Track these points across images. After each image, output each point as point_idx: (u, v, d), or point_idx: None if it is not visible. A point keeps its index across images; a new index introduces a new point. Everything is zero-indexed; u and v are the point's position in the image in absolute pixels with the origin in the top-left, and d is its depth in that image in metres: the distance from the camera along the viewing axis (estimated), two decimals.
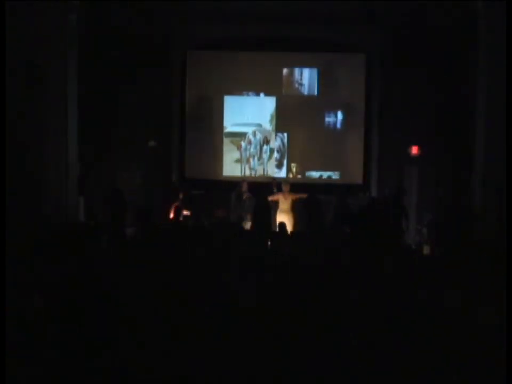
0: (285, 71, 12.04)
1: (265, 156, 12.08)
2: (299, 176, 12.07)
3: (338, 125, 12.00)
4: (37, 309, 3.01)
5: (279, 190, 10.29)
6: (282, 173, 12.09)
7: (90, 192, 9.98)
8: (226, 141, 12.07)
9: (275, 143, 12.08)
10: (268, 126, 12.07)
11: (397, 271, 3.76)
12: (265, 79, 11.95)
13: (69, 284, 3.31)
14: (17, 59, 7.89)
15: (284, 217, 9.74)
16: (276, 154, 12.09)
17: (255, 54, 11.89)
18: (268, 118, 12.05)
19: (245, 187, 10.25)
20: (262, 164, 12.10)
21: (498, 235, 6.28)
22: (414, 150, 11.28)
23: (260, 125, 12.07)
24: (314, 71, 12.00)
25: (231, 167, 12.11)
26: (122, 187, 10.76)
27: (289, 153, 12.06)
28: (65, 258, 3.81)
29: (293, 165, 12.09)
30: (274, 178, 11.07)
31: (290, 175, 12.07)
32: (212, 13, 11.00)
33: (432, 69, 10.82)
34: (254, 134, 12.07)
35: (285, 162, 12.09)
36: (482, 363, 2.80)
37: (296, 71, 12.04)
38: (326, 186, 11.65)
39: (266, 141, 12.07)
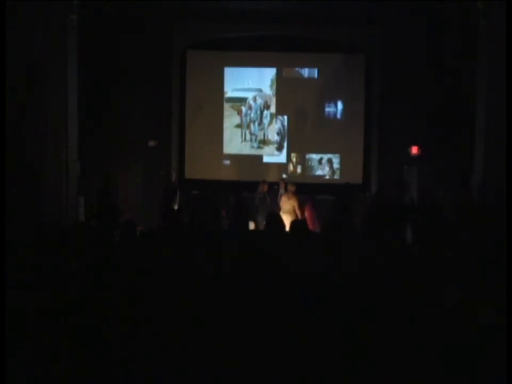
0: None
1: (265, 121, 12.06)
2: (299, 166, 12.08)
3: (338, 116, 12.03)
4: (38, 309, 3.01)
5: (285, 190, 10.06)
6: (282, 157, 12.07)
7: (89, 192, 9.98)
8: (226, 106, 12.04)
9: (275, 126, 12.07)
10: (268, 91, 12.05)
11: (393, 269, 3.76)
12: (264, 74, 12.03)
13: (69, 284, 3.32)
14: (17, 59, 7.90)
15: (285, 218, 9.67)
16: (276, 137, 12.08)
17: (255, 53, 11.91)
18: (268, 83, 12.03)
19: (265, 188, 10.01)
20: (263, 129, 12.08)
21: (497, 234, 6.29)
22: (414, 150, 11.27)
23: (260, 90, 12.05)
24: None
25: (231, 136, 12.05)
26: (121, 187, 10.85)
27: (289, 137, 12.04)
28: (65, 257, 3.81)
29: (293, 155, 12.09)
30: (282, 178, 10.94)
31: (291, 166, 12.08)
32: (212, 12, 11.01)
33: (432, 69, 10.82)
34: (255, 99, 12.04)
35: (285, 145, 12.08)
36: (482, 363, 2.80)
37: None
38: (326, 186, 11.68)
39: (266, 106, 12.04)
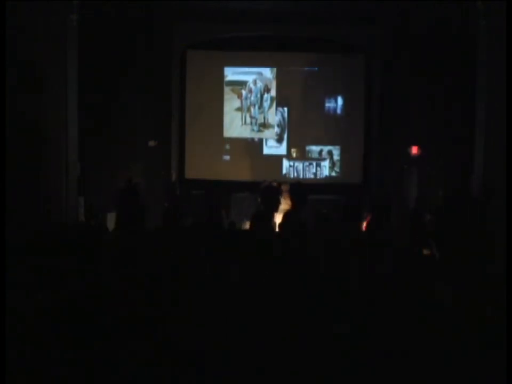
0: None
1: (265, 105, 12.09)
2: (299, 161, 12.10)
3: (339, 111, 12.04)
4: (38, 309, 3.01)
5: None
6: (282, 149, 12.11)
7: (89, 192, 9.96)
8: (226, 89, 12.08)
9: (275, 117, 12.10)
10: (268, 74, 12.08)
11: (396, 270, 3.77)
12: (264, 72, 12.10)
13: (69, 284, 3.32)
14: (17, 59, 7.90)
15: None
16: (276, 129, 12.10)
17: (254, 54, 11.92)
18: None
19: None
20: (263, 112, 12.11)
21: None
22: (414, 150, 11.27)
23: (260, 73, 12.08)
24: None
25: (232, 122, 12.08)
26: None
27: (289, 129, 12.06)
28: (66, 258, 3.81)
29: (293, 150, 12.10)
30: (265, 180, 10.89)
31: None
32: (212, 12, 11.02)
33: (432, 69, 10.81)
34: (255, 82, 12.08)
35: (285, 137, 12.10)
36: (482, 363, 2.80)
37: None
38: (326, 186, 11.69)
39: (267, 89, 12.08)
